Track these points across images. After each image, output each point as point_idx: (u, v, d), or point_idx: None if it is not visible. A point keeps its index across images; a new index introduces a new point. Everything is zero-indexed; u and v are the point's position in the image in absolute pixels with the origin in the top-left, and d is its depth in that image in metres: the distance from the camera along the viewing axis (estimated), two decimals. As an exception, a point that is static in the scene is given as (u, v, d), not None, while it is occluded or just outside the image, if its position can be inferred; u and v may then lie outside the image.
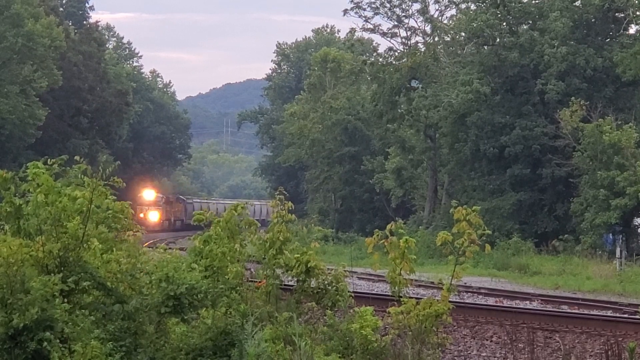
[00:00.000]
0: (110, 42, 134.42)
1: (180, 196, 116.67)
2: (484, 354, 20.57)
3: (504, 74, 66.56)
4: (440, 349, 16.66)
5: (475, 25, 67.67)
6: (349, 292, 17.55)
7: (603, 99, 61.84)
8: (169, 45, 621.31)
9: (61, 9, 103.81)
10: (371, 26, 78.29)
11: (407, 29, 77.05)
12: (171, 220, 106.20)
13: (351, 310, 16.97)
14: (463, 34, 72.21)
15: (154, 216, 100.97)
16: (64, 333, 13.73)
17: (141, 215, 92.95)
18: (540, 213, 63.96)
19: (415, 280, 18.29)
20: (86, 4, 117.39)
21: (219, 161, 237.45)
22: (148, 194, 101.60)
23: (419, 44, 76.48)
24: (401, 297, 16.51)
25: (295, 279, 17.25)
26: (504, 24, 68.29)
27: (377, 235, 17.09)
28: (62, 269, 14.42)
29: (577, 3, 67.57)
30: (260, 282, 17.23)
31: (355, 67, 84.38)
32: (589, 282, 41.36)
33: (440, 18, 76.82)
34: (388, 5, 76.43)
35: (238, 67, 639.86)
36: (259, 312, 16.05)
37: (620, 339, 19.55)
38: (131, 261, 15.39)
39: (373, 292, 29.65)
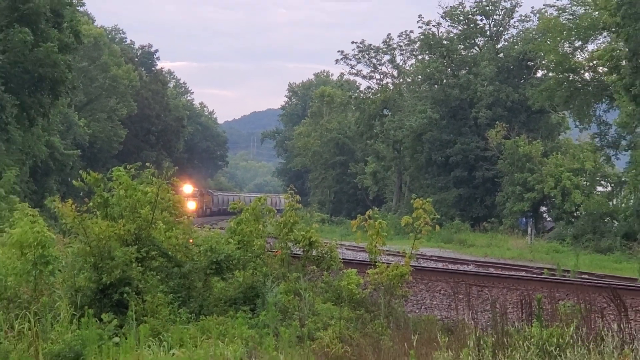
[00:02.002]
0: (171, 83, 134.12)
1: (210, 190, 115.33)
2: (435, 302, 20.58)
3: (448, 105, 66.65)
4: (403, 298, 16.66)
5: (428, 71, 67.90)
6: (339, 258, 17.55)
7: (519, 122, 61.91)
8: (212, 84, 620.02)
9: (136, 59, 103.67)
10: (355, 71, 78.60)
11: (380, 73, 77.26)
12: (203, 208, 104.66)
13: (341, 272, 16.97)
14: (420, 76, 72.38)
15: (192, 205, 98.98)
16: (139, 288, 13.76)
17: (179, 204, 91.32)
18: (475, 203, 64.04)
19: (386, 251, 18.29)
20: (154, 55, 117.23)
21: (248, 167, 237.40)
22: (187, 188, 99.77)
23: (389, 84, 76.67)
24: (376, 262, 16.50)
25: (302, 249, 17.26)
26: (449, 69, 68.37)
27: (360, 218, 17.08)
28: (137, 242, 14.45)
29: (500, 55, 67.76)
30: (276, 252, 17.24)
31: (344, 100, 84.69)
32: (509, 252, 41.42)
33: (404, 65, 77.00)
34: (367, 56, 76.61)
35: (261, 100, 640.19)
36: (276, 273, 16.07)
37: (531, 291, 19.57)
38: (186, 237, 15.44)
39: (357, 259, 29.63)
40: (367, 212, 17.08)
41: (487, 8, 69.02)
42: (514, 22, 69.65)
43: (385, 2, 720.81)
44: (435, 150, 65.81)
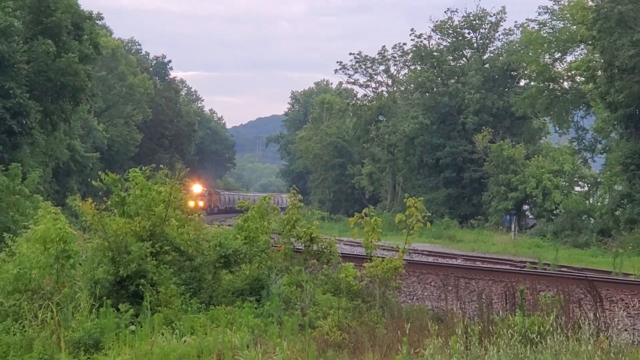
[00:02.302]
0: (183, 90, 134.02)
1: (217, 189, 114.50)
2: (426, 293, 20.55)
3: (438, 111, 66.66)
4: (397, 290, 16.63)
5: (420, 80, 67.93)
6: (338, 253, 17.51)
7: (503, 127, 61.94)
8: (221, 92, 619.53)
9: (151, 68, 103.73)
10: (352, 80, 78.58)
11: (376, 82, 77.25)
12: (211, 206, 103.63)
13: (340, 265, 16.93)
14: (412, 85, 72.37)
15: (200, 204, 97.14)
16: (153, 280, 13.76)
17: (191, 203, 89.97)
18: (463, 202, 64.03)
19: (381, 246, 18.24)
20: (167, 65, 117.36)
21: (254, 168, 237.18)
22: (196, 187, 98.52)
23: (384, 92, 76.60)
24: (372, 256, 16.47)
25: (303, 245, 17.22)
26: (439, 79, 68.41)
27: (357, 216, 17.05)
28: (152, 238, 14.45)
29: (486, 65, 67.80)
30: (280, 246, 17.20)
31: (342, 107, 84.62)
32: (494, 247, 41.34)
33: (397, 75, 77.00)
34: (363, 66, 76.63)
35: (266, 106, 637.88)
36: (280, 266, 16.05)
37: (514, 283, 19.51)
38: (197, 233, 15.42)
39: (354, 253, 29.49)
40: (364, 210, 17.04)
41: (474, 22, 69.13)
42: (499, 35, 69.73)
43: (381, 17, 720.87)
44: (427, 153, 65.81)
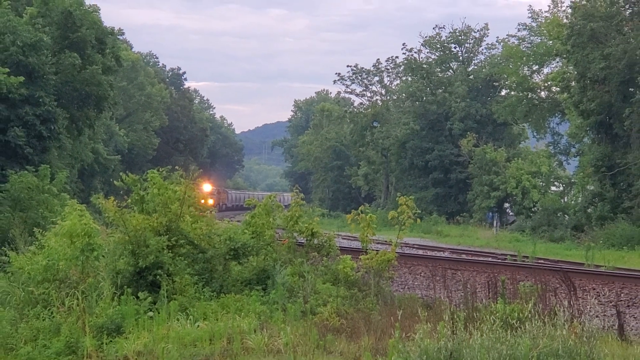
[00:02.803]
0: (196, 99, 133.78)
1: (225, 188, 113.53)
2: (416, 283, 20.54)
3: (428, 118, 66.64)
4: (390, 280, 16.63)
5: (410, 90, 67.97)
6: (337, 246, 17.50)
7: (486, 133, 61.94)
8: (231, 101, 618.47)
9: (167, 79, 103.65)
10: (350, 90, 78.43)
11: (371, 91, 77.17)
12: (220, 204, 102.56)
13: (338, 257, 16.93)
14: (404, 94, 72.38)
15: (210, 202, 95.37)
16: (169, 271, 13.77)
17: (202, 201, 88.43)
18: (449, 200, 64.02)
19: (375, 240, 18.24)
20: (182, 77, 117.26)
21: (260, 169, 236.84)
22: (206, 186, 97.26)
23: (378, 100, 76.58)
24: (367, 249, 16.47)
25: (305, 239, 17.21)
26: (428, 88, 68.39)
27: (353, 213, 17.04)
28: (168, 232, 14.46)
29: (471, 77, 67.89)
30: (284, 240, 17.20)
31: (340, 114, 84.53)
32: (478, 241, 41.27)
33: (390, 85, 76.97)
34: (359, 77, 76.57)
35: (271, 114, 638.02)
36: (284, 258, 16.05)
37: (496, 274, 19.49)
38: (209, 228, 15.43)
39: (351, 247, 29.44)
40: (360, 208, 17.03)
41: (460, 38, 69.22)
42: (482, 49, 69.83)
43: (376, 33, 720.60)
44: (417, 156, 65.82)
